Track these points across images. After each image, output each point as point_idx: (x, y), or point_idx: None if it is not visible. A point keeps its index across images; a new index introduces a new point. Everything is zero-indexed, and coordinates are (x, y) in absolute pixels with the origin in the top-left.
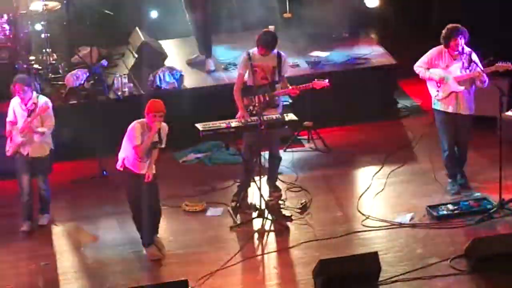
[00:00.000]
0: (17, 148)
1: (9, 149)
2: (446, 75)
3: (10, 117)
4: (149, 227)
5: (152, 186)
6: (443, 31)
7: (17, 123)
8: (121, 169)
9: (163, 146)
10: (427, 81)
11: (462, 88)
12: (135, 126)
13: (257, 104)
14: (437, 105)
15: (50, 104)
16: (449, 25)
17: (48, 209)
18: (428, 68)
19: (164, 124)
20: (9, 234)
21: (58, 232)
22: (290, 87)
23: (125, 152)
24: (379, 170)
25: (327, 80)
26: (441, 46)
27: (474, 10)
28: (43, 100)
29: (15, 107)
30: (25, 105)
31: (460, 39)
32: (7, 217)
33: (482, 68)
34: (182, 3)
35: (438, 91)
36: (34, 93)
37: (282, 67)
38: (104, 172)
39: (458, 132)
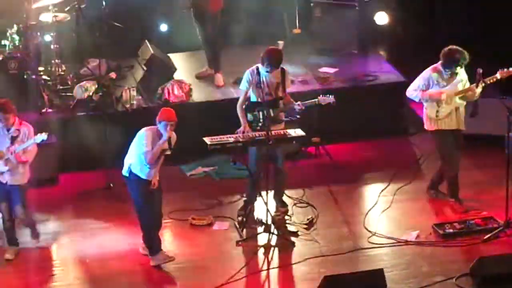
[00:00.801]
0: None
1: None
2: (447, 91)
3: None
4: (156, 234)
5: (159, 192)
6: (446, 50)
7: None
8: (127, 175)
9: (169, 152)
10: (424, 103)
11: (463, 102)
12: (146, 133)
13: (261, 120)
14: (438, 125)
15: (31, 129)
16: (453, 48)
17: (37, 233)
18: (425, 90)
19: (173, 133)
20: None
21: (64, 243)
22: (295, 103)
23: (133, 158)
24: (386, 187)
25: (332, 96)
26: (438, 64)
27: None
28: (26, 126)
29: None
30: (8, 130)
31: (462, 63)
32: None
33: (485, 80)
34: (192, 17)
35: (438, 111)
36: (17, 118)
37: (287, 83)
38: (111, 184)
39: (459, 150)
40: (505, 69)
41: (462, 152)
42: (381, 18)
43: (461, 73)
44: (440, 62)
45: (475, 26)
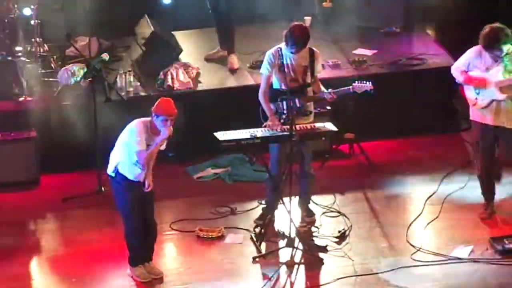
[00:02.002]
0: None
1: None
2: (488, 78)
3: None
4: (143, 244)
5: (151, 196)
6: (486, 30)
7: None
8: (113, 174)
9: (163, 148)
10: (464, 87)
11: (504, 96)
12: (138, 127)
13: (285, 111)
14: (476, 116)
15: None
16: (495, 26)
17: None
18: (466, 71)
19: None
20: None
21: (45, 260)
22: (326, 91)
23: (120, 156)
24: (434, 193)
25: (370, 83)
26: (479, 46)
27: None
28: None
29: None
30: None
31: (503, 48)
32: None
33: None
34: None
35: (476, 98)
36: None
37: (315, 66)
38: (102, 188)
39: (493, 149)
40: None
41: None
42: None
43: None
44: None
45: None
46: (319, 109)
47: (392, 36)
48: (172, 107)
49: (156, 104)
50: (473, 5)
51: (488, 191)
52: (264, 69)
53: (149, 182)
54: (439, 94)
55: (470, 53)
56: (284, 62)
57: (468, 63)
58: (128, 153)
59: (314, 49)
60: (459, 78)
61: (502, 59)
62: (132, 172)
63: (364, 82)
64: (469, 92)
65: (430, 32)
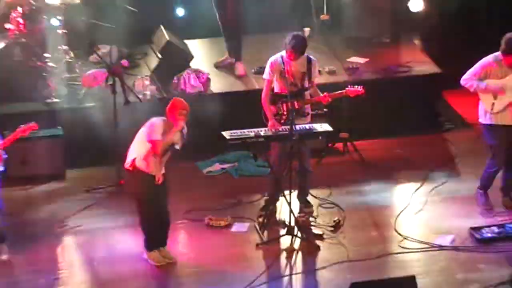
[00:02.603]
0: None
1: None
2: (505, 84)
3: None
4: (157, 231)
5: (164, 188)
6: (507, 38)
7: None
8: (130, 168)
9: (178, 147)
10: (480, 94)
11: None
12: (157, 122)
13: (285, 113)
14: (493, 119)
15: None
16: None
17: (4, 240)
18: (482, 80)
19: (184, 126)
20: (19, 243)
21: (70, 244)
22: (322, 95)
23: (138, 151)
24: (419, 187)
25: (361, 87)
26: (496, 54)
27: None
28: None
29: None
30: None
31: None
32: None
33: None
34: (212, 0)
35: (494, 103)
36: None
37: (313, 73)
38: (122, 181)
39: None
40: None
41: None
42: (416, 4)
43: None
44: (500, 50)
45: None
46: (316, 110)
47: (382, 46)
48: (183, 103)
49: (170, 102)
50: (454, 18)
51: (486, 186)
52: (266, 74)
53: (159, 176)
54: (424, 98)
55: (486, 62)
56: (285, 69)
57: (483, 71)
58: (144, 147)
59: (311, 57)
60: (472, 87)
61: None
62: (147, 165)
63: (356, 86)
64: (486, 98)
65: (416, 42)
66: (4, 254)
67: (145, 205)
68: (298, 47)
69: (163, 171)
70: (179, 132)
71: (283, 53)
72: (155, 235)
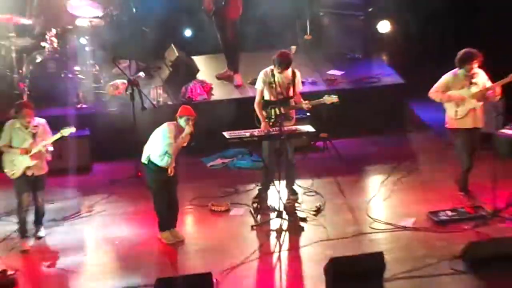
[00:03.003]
0: (23, 171)
1: (14, 172)
2: (464, 94)
3: (5, 141)
4: (168, 215)
5: (174, 179)
6: (460, 54)
7: (12, 147)
8: (146, 162)
9: (189, 144)
10: (445, 104)
11: (480, 104)
12: (170, 127)
13: (273, 117)
14: (457, 124)
15: (45, 122)
16: (467, 50)
17: (42, 221)
18: (445, 92)
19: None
20: (53, 225)
21: (95, 226)
22: (304, 102)
23: (154, 149)
24: (386, 178)
25: (336, 96)
26: (454, 70)
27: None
28: (41, 121)
29: (14, 131)
30: (26, 128)
31: (475, 63)
32: (52, 210)
33: (494, 84)
34: (214, 23)
35: (457, 110)
36: (31, 116)
37: (296, 84)
38: (139, 173)
39: (475, 147)
40: None
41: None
42: (384, 26)
43: (480, 76)
44: (456, 65)
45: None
46: (301, 115)
47: (355, 61)
48: (192, 110)
49: (179, 109)
50: (414, 38)
51: (466, 186)
52: (258, 84)
53: (171, 169)
54: (390, 104)
55: (448, 76)
56: (273, 80)
57: (447, 84)
58: (162, 146)
59: (295, 70)
60: (438, 98)
61: (472, 77)
62: (163, 161)
63: (332, 95)
64: (450, 107)
65: (384, 58)
66: (41, 232)
67: (158, 193)
68: (284, 63)
69: (173, 164)
70: (188, 135)
71: (272, 67)
72: (166, 218)
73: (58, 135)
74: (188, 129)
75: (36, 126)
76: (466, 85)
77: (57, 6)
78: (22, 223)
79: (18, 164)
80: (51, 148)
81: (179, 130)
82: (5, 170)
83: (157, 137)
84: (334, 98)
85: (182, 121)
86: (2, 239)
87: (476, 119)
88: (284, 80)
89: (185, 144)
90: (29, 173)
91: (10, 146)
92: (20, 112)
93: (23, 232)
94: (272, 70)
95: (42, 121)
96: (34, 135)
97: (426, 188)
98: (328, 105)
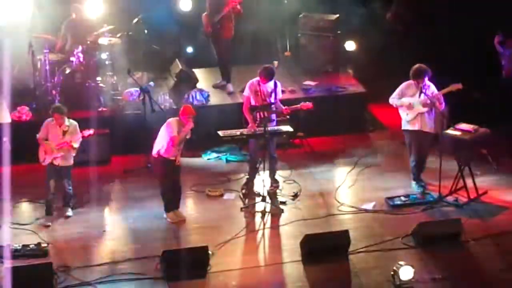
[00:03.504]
0: (51, 160)
1: (44, 160)
2: (414, 101)
3: (42, 135)
4: (173, 198)
5: (179, 168)
6: (414, 69)
7: (47, 140)
8: (156, 155)
9: (188, 137)
10: (399, 108)
11: (426, 109)
12: (172, 122)
13: (258, 120)
14: (407, 126)
15: (76, 124)
16: (420, 66)
17: (70, 203)
18: (400, 98)
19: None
20: (77, 207)
21: (113, 208)
22: (283, 107)
23: (161, 143)
24: (352, 169)
25: (311, 103)
26: (410, 80)
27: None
28: (73, 123)
29: (50, 128)
30: (60, 126)
31: (426, 77)
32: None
33: (438, 93)
34: (210, 42)
35: (407, 114)
36: (65, 117)
37: (278, 92)
38: (149, 165)
39: (421, 146)
40: (455, 84)
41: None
42: (350, 45)
43: (430, 87)
44: (410, 77)
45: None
46: (282, 118)
47: (327, 73)
48: (192, 109)
49: (181, 108)
50: (375, 54)
51: (419, 173)
52: (246, 92)
53: (178, 159)
54: (355, 108)
55: (403, 86)
56: (259, 89)
57: (401, 92)
58: (165, 140)
59: (277, 81)
60: (394, 103)
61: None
62: (169, 152)
63: (307, 102)
64: (402, 111)
65: (350, 71)
66: (69, 212)
67: (164, 181)
68: (267, 75)
69: (179, 155)
70: (190, 130)
71: (258, 78)
72: (171, 201)
73: (79, 136)
74: (189, 125)
75: (68, 126)
76: (416, 93)
77: (83, 28)
78: (48, 204)
79: (49, 154)
80: (76, 145)
81: (181, 125)
82: (40, 159)
83: (163, 132)
84: (309, 104)
85: (184, 118)
86: (36, 219)
87: (423, 123)
88: (268, 89)
89: (188, 137)
90: (56, 162)
91: (46, 139)
92: (52, 116)
93: (48, 211)
94: (258, 81)
95: (74, 123)
96: (64, 133)
97: (384, 178)
98: (304, 110)
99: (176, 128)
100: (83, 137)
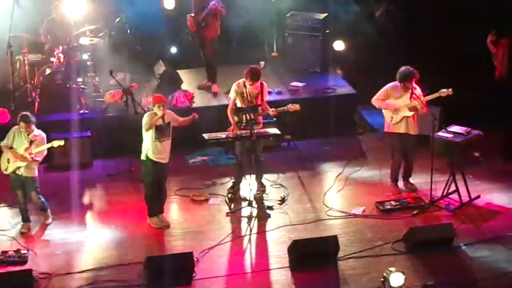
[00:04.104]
0: (14, 169)
1: (6, 169)
2: (400, 103)
3: (7, 142)
4: (157, 203)
5: (165, 172)
6: (400, 71)
7: (12, 148)
8: (145, 158)
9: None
10: (383, 110)
11: (411, 113)
12: (145, 116)
13: (244, 121)
14: (392, 128)
15: (44, 136)
16: (407, 68)
17: (47, 210)
18: (384, 100)
19: (168, 112)
20: (58, 212)
21: (95, 213)
22: (270, 109)
23: (146, 143)
24: (340, 173)
25: (298, 105)
26: (396, 82)
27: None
28: (41, 134)
29: (16, 136)
30: (28, 135)
31: (413, 79)
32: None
33: (426, 98)
34: (195, 42)
35: (392, 117)
36: (33, 126)
37: (264, 94)
38: (132, 169)
39: (406, 148)
40: (445, 89)
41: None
42: (339, 45)
43: (417, 90)
44: (397, 79)
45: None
46: (268, 120)
47: (315, 74)
48: (162, 98)
49: (152, 98)
50: (364, 55)
51: (396, 178)
52: (232, 93)
53: (166, 160)
54: (343, 110)
55: (388, 87)
56: (245, 90)
57: (386, 93)
58: (147, 137)
59: (263, 82)
60: (378, 105)
61: (410, 90)
62: (156, 152)
63: (295, 104)
64: (387, 113)
65: (338, 72)
66: (49, 220)
67: (150, 185)
68: (254, 76)
69: (167, 159)
70: (160, 118)
71: (244, 79)
72: (155, 205)
73: (48, 145)
74: (160, 113)
75: (36, 136)
76: (402, 96)
77: (64, 28)
78: (22, 211)
79: (12, 162)
80: (38, 158)
81: (154, 116)
82: (1, 168)
83: (142, 129)
84: (296, 106)
85: (156, 108)
86: (15, 224)
87: (409, 125)
88: (254, 90)
89: (158, 123)
90: (19, 172)
91: (11, 147)
92: (18, 124)
93: (23, 217)
94: (244, 82)
95: (43, 134)
96: (31, 142)
97: (373, 182)
98: (291, 112)
99: (149, 120)
100: (52, 147)
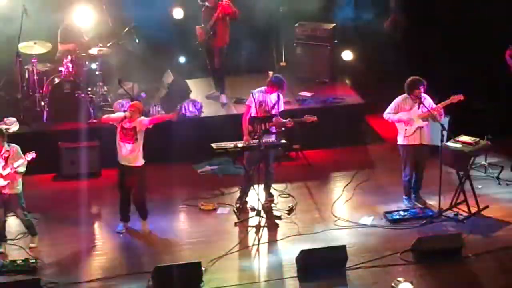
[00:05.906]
0: None
1: None
2: (412, 115)
3: None
4: (121, 207)
5: (128, 175)
6: (408, 81)
7: None
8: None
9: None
10: (396, 123)
11: (425, 123)
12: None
13: (258, 131)
14: (406, 141)
15: (17, 147)
16: (413, 77)
17: (33, 231)
18: (396, 113)
19: (141, 118)
20: (66, 221)
21: (104, 222)
22: (287, 120)
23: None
24: (349, 183)
25: (315, 116)
26: (405, 94)
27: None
28: (14, 146)
29: None
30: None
31: (421, 88)
32: (66, 208)
33: (438, 105)
34: (203, 52)
35: (406, 129)
36: (3, 142)
37: (280, 105)
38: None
39: (419, 160)
40: (455, 96)
41: (428, 161)
42: (347, 55)
43: (427, 99)
44: (406, 91)
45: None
46: (281, 129)
47: (323, 84)
48: (131, 104)
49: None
50: (373, 65)
51: (409, 192)
52: (250, 102)
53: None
54: (352, 120)
55: (398, 100)
56: (261, 100)
57: (398, 107)
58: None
59: (280, 93)
60: (390, 119)
61: (420, 99)
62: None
63: (312, 116)
64: (400, 126)
65: (347, 82)
66: (33, 243)
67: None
68: (278, 84)
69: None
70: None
71: (261, 88)
72: (120, 211)
73: (22, 161)
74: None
75: (8, 151)
76: (413, 107)
77: (73, 38)
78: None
79: None
80: (22, 170)
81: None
82: None
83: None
84: (313, 117)
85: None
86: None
87: (422, 136)
88: (271, 100)
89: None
90: (3, 191)
91: None
92: None
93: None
94: (263, 91)
95: (15, 146)
96: (6, 159)
97: (382, 192)
98: (308, 123)
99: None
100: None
